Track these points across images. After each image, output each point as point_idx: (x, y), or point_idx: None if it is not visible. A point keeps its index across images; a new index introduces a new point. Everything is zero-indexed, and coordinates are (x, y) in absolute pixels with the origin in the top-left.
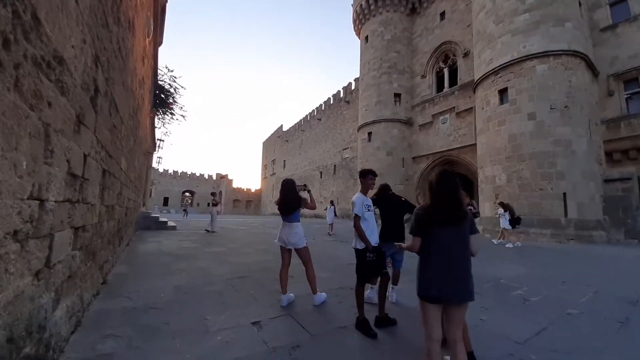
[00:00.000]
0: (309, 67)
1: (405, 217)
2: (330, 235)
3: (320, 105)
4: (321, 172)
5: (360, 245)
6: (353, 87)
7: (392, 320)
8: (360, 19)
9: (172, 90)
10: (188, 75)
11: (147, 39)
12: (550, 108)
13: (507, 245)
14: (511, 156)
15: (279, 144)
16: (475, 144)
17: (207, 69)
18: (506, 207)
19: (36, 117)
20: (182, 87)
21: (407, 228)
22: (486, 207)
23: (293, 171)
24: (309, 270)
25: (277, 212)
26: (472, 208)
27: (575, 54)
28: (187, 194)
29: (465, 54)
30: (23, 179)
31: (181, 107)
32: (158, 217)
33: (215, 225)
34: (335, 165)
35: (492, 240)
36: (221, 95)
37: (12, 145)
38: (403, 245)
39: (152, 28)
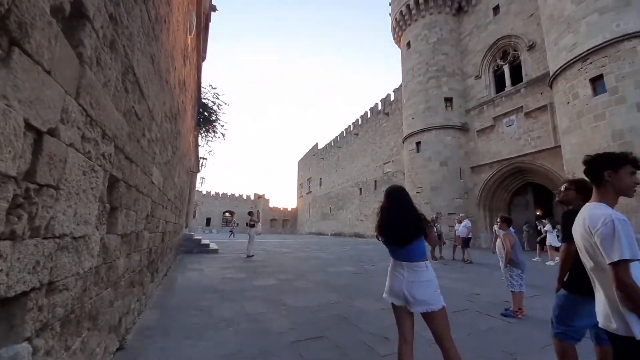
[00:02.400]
0: (341, 87)
1: None
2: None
3: (357, 119)
4: (360, 189)
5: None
6: (392, 99)
7: None
8: (401, 25)
9: (215, 107)
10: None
11: (189, 36)
12: None
13: (547, 263)
14: None
15: (314, 162)
16: (556, 147)
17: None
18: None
19: None
20: (226, 103)
21: None
22: None
23: (330, 189)
24: (450, 352)
25: (314, 231)
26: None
27: None
28: (228, 214)
29: (531, 47)
30: None
31: (222, 125)
32: (200, 239)
33: (251, 248)
34: (375, 181)
35: (547, 263)
36: (251, 113)
37: None
38: None
39: (194, 24)
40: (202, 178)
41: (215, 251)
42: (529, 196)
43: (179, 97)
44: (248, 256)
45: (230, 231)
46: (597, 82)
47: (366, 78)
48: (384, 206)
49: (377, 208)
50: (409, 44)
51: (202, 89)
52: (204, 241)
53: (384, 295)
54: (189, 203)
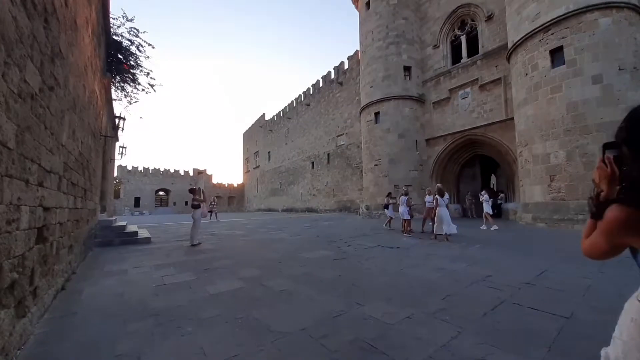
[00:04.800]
0: (290, 53)
1: None
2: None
3: (308, 89)
4: (313, 162)
5: None
6: (346, 67)
7: None
8: None
9: (133, 48)
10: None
11: None
12: (619, 69)
13: (492, 229)
14: (572, 128)
15: (261, 134)
16: (506, 120)
17: (172, 56)
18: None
19: None
20: (149, 44)
21: None
22: (536, 191)
23: (280, 163)
24: None
25: (264, 207)
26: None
27: (635, 7)
28: (162, 192)
29: (489, 17)
30: None
31: (148, 74)
32: (125, 226)
33: (196, 235)
34: (329, 154)
35: (481, 227)
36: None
37: None
38: None
39: None
40: (122, 147)
41: (146, 241)
42: (476, 168)
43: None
44: (193, 245)
45: (210, 211)
46: (556, 54)
47: (320, 44)
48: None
49: (330, 182)
50: (368, 4)
51: (112, 19)
52: (130, 228)
53: None
54: (103, 180)
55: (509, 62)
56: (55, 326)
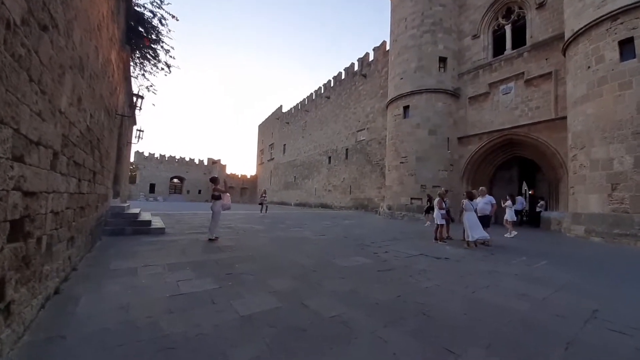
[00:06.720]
0: (313, 45)
1: None
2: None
3: (329, 81)
4: (329, 157)
5: None
6: (372, 58)
7: None
8: None
9: (155, 21)
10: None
11: None
12: None
13: (506, 235)
14: None
15: (277, 126)
16: (555, 119)
17: (190, 40)
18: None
19: None
20: (173, 16)
21: None
22: (592, 201)
23: (295, 156)
24: None
25: (276, 200)
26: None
27: None
28: (176, 180)
29: (541, 5)
30: None
31: (168, 51)
32: (138, 214)
33: (214, 228)
34: (347, 149)
35: (505, 235)
36: (206, 74)
37: None
38: None
39: None
40: (139, 131)
41: (160, 231)
42: (513, 171)
43: None
44: (210, 239)
45: (260, 203)
46: (625, 46)
47: (345, 36)
48: None
49: (347, 178)
50: None
51: None
52: (144, 216)
53: None
54: (118, 163)
55: (564, 55)
56: (37, 352)
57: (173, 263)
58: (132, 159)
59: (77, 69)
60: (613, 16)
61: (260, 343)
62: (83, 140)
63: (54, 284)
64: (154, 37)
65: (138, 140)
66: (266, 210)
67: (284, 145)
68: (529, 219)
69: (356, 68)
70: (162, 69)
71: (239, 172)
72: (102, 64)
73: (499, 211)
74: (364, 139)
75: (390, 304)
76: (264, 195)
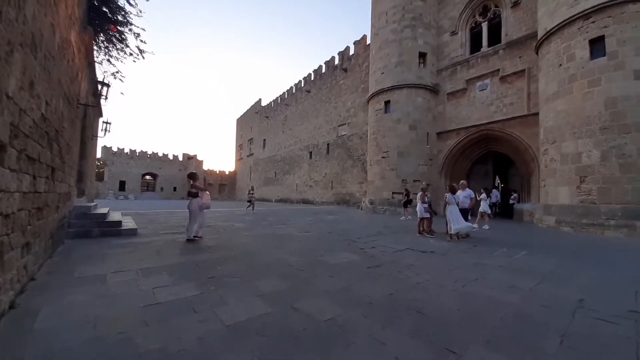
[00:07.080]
0: (291, 36)
1: None
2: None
3: (309, 75)
4: (311, 152)
5: None
6: (352, 52)
7: None
8: None
9: (121, 0)
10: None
11: None
12: None
13: (484, 227)
14: (609, 126)
15: (256, 121)
16: (528, 115)
17: (164, 26)
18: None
19: None
20: None
21: None
22: (562, 193)
23: (275, 151)
24: None
25: (257, 197)
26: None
27: None
28: (149, 177)
29: (515, 3)
30: None
31: (138, 35)
32: (106, 214)
33: (193, 228)
34: (328, 144)
35: (473, 225)
36: (181, 65)
37: None
38: None
39: None
40: (106, 123)
41: (132, 232)
42: (489, 166)
43: None
44: (189, 239)
45: (249, 201)
46: (596, 45)
47: (325, 27)
48: None
49: (328, 173)
50: None
51: None
52: (113, 216)
53: None
54: (82, 158)
55: (537, 53)
56: None
57: (147, 267)
58: (99, 155)
59: (29, 48)
60: (585, 15)
61: (249, 355)
62: (38, 131)
63: (7, 297)
64: (120, 18)
65: (105, 134)
66: (253, 208)
67: (264, 140)
68: (502, 211)
69: (337, 62)
70: (131, 54)
71: (217, 168)
72: (60, 44)
73: (474, 204)
74: (345, 134)
75: (384, 303)
76: (251, 191)
